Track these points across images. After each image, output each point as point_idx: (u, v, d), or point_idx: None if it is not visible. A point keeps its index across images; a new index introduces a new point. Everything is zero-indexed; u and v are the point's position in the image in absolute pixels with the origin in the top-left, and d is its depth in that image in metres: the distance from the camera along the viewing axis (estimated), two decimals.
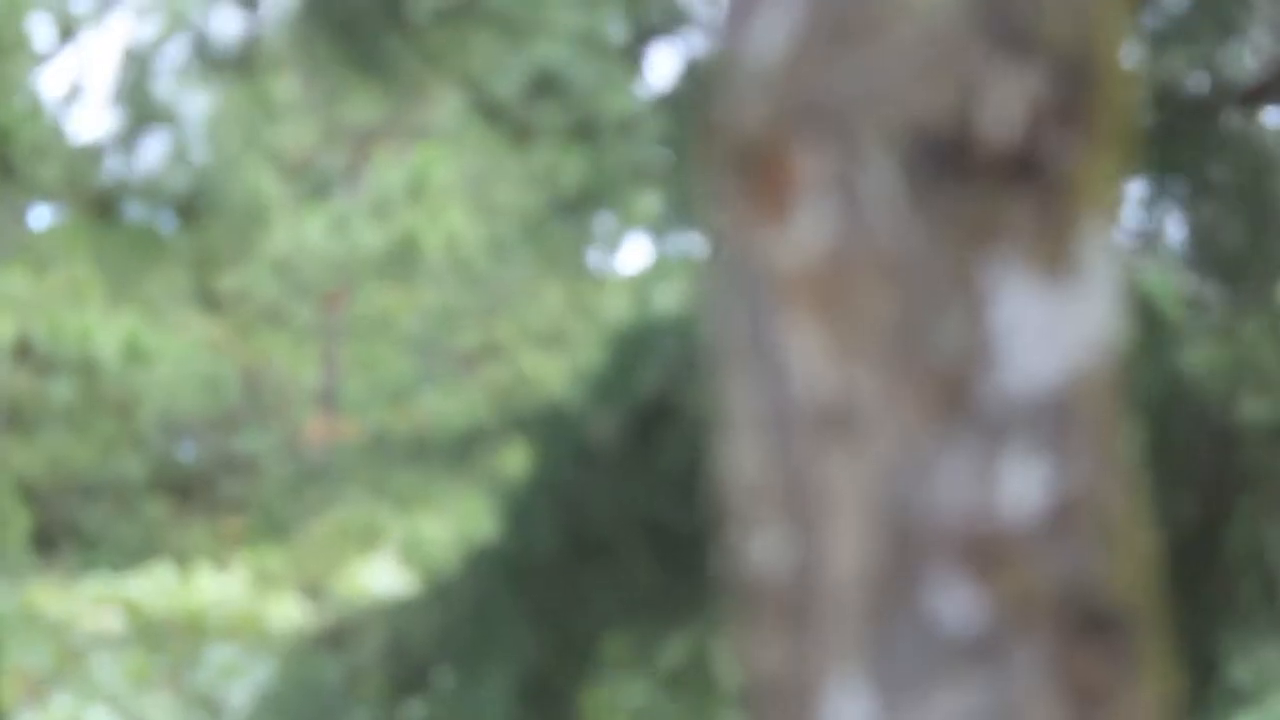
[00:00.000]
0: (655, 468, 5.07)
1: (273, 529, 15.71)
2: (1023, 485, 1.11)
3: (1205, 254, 4.52)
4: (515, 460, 5.41)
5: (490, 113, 5.64)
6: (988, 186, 1.11)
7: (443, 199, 15.68)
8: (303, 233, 16.17)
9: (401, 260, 16.12)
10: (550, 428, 5.20)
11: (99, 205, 5.05)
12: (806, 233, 1.15)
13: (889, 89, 1.13)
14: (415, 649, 5.13)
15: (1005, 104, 1.11)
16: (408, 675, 5.11)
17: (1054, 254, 1.13)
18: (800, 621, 1.16)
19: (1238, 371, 4.68)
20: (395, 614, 5.27)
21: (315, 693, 5.11)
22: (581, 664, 5.27)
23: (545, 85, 5.78)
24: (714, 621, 5.23)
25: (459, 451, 5.39)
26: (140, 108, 5.27)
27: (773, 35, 1.19)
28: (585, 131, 5.63)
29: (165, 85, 5.45)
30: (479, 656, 5.01)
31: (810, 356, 1.16)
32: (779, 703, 1.17)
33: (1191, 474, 4.34)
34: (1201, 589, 4.27)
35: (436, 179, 15.46)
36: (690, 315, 5.38)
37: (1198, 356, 4.42)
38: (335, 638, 5.28)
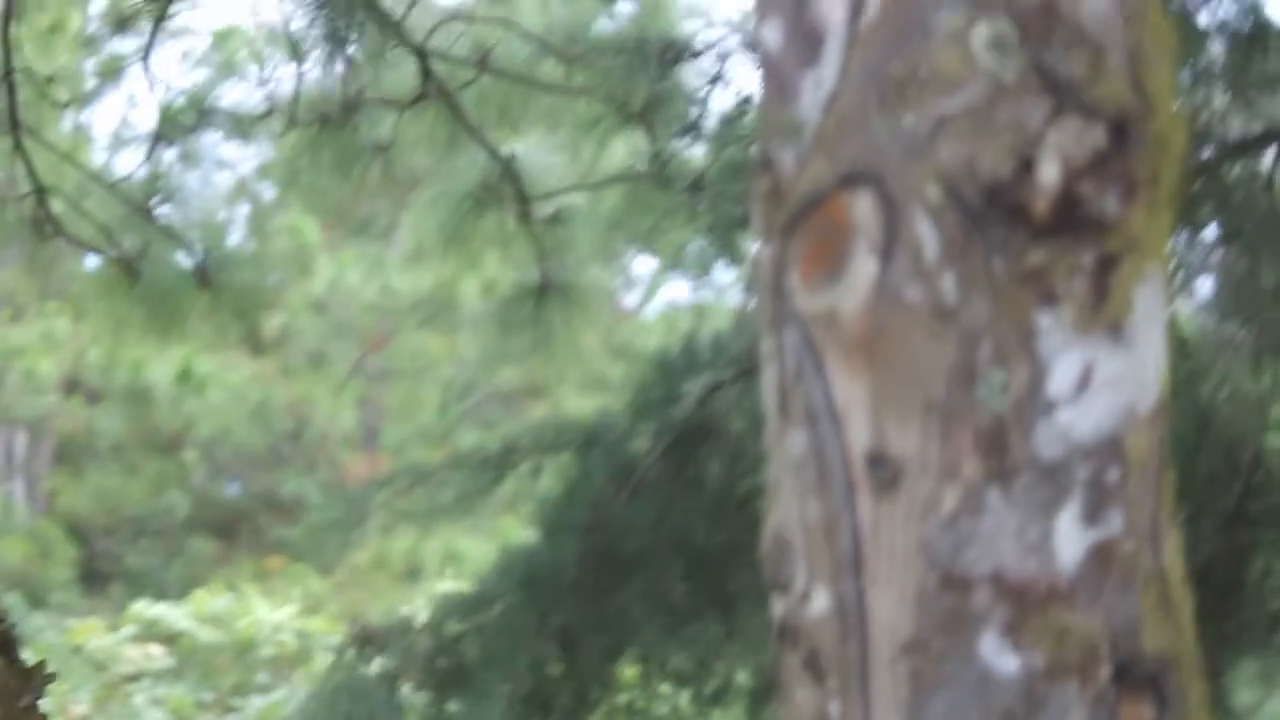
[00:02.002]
0: (693, 489, 5.07)
1: (315, 565, 15.78)
2: (1072, 535, 1.12)
3: (1234, 294, 4.53)
4: (554, 479, 5.41)
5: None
6: (1042, 240, 1.12)
7: (473, 241, 15.69)
8: (341, 275, 16.26)
9: (440, 305, 16.18)
10: (588, 445, 5.21)
11: (125, 266, 5.12)
12: (857, 285, 1.16)
13: (943, 145, 1.14)
14: (455, 653, 5.15)
15: (1062, 160, 1.12)
16: (447, 679, 5.13)
17: (1107, 306, 1.13)
18: (847, 671, 1.16)
19: (1263, 408, 4.69)
20: (437, 618, 5.30)
21: (359, 694, 5.14)
22: (596, 681, 5.28)
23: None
24: (733, 631, 5.24)
25: (495, 467, 5.39)
26: (186, 153, 5.35)
27: (822, 92, 1.20)
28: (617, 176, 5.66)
29: (213, 133, 5.53)
30: (498, 667, 5.03)
31: (859, 407, 1.17)
32: None
33: (1216, 506, 4.35)
34: (1223, 619, 4.27)
35: (470, 226, 15.46)
36: (730, 340, 5.39)
37: (1225, 393, 4.43)
38: (380, 642, 5.31)
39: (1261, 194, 4.38)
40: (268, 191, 17.21)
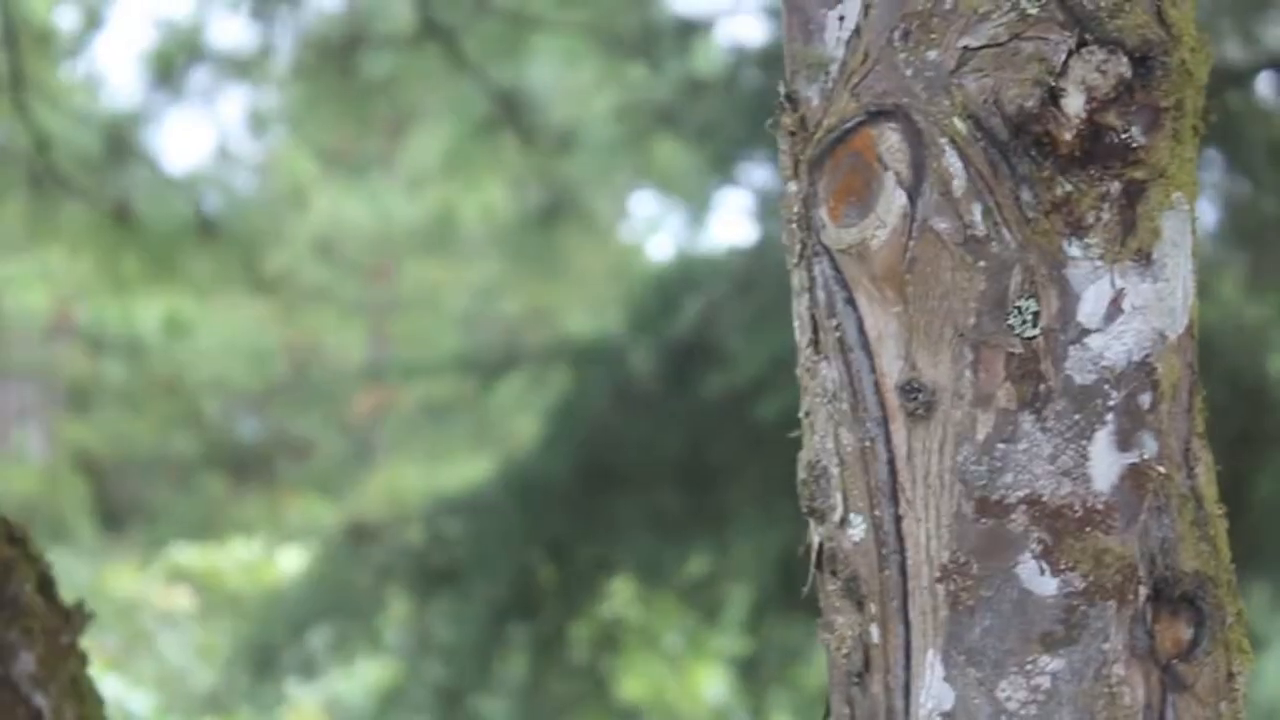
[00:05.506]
0: (690, 405, 5.09)
1: (325, 500, 15.82)
2: (1107, 459, 1.14)
3: (1237, 220, 4.55)
4: (554, 394, 5.44)
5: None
6: (1069, 170, 1.14)
7: (476, 171, 15.65)
8: (341, 210, 16.23)
9: (441, 229, 16.16)
10: (588, 358, 5.24)
11: (117, 210, 5.11)
12: (887, 218, 1.18)
13: (969, 78, 1.16)
14: (445, 550, 5.21)
15: (1087, 91, 1.14)
16: (437, 573, 5.19)
17: (1135, 234, 1.15)
18: (887, 596, 1.18)
19: (1266, 333, 4.70)
20: (431, 515, 5.36)
21: (346, 585, 5.21)
22: (585, 590, 5.34)
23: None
24: (726, 547, 5.27)
25: (495, 368, 5.42)
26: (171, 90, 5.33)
27: (846, 28, 1.22)
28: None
29: (203, 75, 5.50)
30: (488, 567, 5.08)
31: (891, 338, 1.19)
32: (870, 677, 1.20)
33: (1222, 430, 4.36)
34: (1231, 545, 4.31)
35: (468, 152, 15.41)
36: (730, 259, 5.39)
37: (1229, 318, 4.45)
38: (370, 535, 5.39)
39: (1261, 121, 4.39)
40: (257, 131, 17.13)
